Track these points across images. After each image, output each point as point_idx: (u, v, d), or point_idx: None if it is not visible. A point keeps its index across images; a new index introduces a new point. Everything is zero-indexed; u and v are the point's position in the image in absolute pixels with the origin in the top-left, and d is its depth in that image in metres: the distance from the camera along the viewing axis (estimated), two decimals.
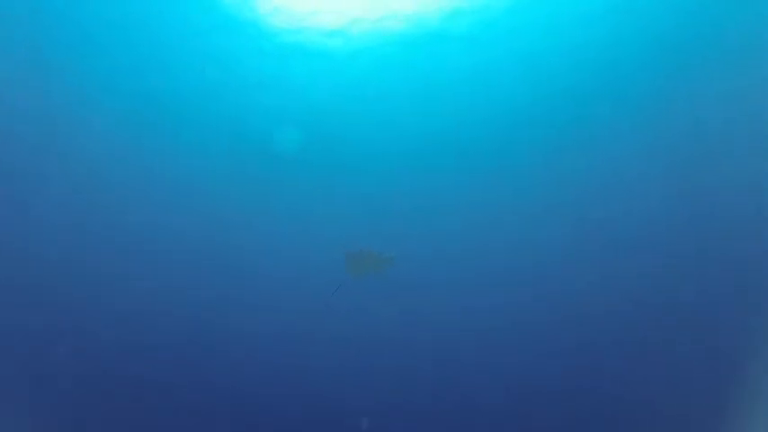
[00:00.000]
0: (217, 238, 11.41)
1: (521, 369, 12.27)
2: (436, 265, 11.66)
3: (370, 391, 12.36)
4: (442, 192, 11.38)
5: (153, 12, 9.33)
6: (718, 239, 11.41)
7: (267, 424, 12.52)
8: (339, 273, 11.68)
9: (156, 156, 10.73)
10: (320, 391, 12.41)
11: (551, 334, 12.22)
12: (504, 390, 12.30)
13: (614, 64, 10.14)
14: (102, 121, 10.32)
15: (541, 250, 11.67)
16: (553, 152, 10.94)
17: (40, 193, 10.77)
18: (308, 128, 10.76)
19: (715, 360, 11.99)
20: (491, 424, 12.47)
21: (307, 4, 9.35)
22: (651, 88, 10.28)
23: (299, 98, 10.41)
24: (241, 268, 11.69)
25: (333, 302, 11.74)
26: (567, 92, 10.43)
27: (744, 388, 11.90)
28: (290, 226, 11.50)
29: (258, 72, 10.07)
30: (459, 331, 12.18)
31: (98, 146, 10.47)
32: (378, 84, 10.35)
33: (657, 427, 12.44)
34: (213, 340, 12.14)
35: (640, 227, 11.56)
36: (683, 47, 9.88)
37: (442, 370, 12.25)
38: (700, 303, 11.88)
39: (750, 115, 10.22)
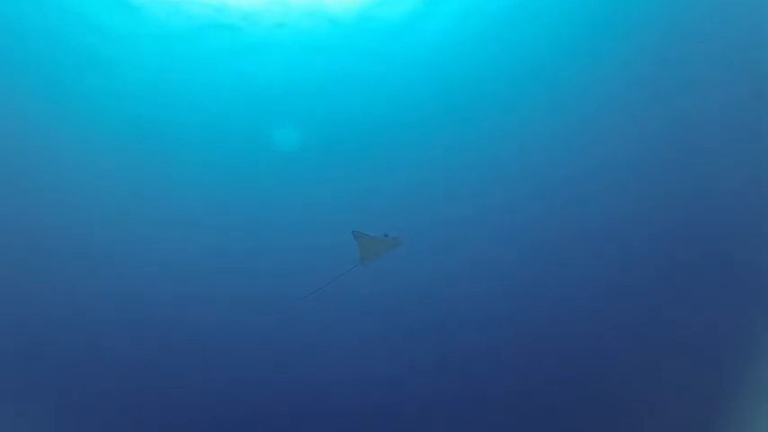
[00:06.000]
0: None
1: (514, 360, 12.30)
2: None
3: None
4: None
5: None
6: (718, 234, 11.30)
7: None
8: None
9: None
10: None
11: (548, 334, 12.22)
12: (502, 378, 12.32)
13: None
14: None
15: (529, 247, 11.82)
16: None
17: None
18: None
19: (714, 359, 11.77)
20: (488, 419, 12.48)
21: None
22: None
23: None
24: None
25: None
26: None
27: (744, 388, 11.61)
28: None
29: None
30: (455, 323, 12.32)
31: None
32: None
33: (657, 426, 12.22)
34: (210, 343, 12.38)
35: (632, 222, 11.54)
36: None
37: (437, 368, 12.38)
38: (698, 298, 11.73)
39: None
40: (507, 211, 11.90)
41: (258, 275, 12.19)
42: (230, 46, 10.56)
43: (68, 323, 12.03)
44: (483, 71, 11.05)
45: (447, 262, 12.09)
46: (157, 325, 12.28)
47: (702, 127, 10.93)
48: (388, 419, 12.34)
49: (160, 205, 12.00)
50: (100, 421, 12.23)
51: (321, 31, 10.47)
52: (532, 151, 11.49)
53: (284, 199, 12.03)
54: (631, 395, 11.92)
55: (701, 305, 11.63)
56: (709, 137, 11.00)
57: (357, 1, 10.07)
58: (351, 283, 11.05)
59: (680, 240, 11.50)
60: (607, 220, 11.60)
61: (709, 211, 11.32)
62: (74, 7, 9.78)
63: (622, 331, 11.79)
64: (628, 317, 11.76)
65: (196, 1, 9.85)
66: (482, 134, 11.54)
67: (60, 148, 11.18)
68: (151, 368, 12.34)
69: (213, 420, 12.56)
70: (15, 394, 12.00)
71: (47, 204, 11.53)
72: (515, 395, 11.97)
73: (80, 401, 12.13)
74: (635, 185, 11.38)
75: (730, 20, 10.05)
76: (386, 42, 10.69)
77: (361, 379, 12.21)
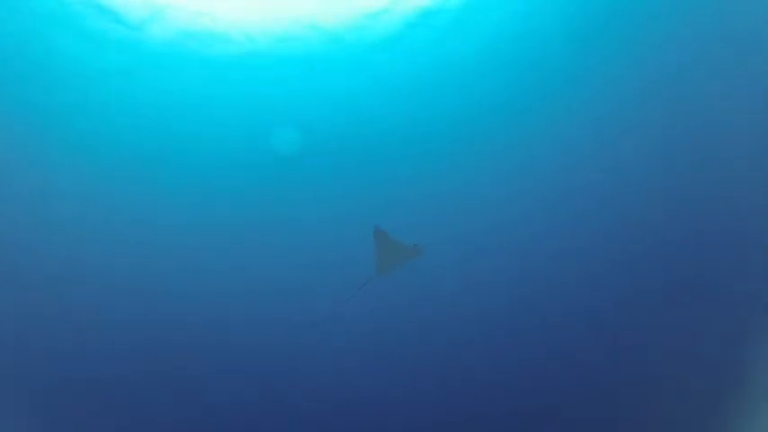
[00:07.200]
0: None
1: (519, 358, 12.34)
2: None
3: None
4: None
5: None
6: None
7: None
8: None
9: None
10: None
11: (550, 335, 12.28)
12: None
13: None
14: None
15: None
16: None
17: None
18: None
19: (714, 358, 12.06)
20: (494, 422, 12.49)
21: None
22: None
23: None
24: None
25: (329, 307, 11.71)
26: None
27: (744, 388, 11.95)
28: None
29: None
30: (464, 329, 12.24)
31: None
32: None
33: (656, 427, 12.48)
34: (212, 346, 12.12)
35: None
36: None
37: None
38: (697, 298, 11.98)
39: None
40: (519, 222, 11.85)
41: (264, 295, 11.86)
42: (226, 57, 10.14)
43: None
44: (495, 78, 10.90)
45: (457, 274, 12.00)
46: (149, 348, 11.88)
47: (719, 131, 11.09)
48: None
49: (152, 226, 11.53)
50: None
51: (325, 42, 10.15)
52: (546, 158, 11.44)
53: (291, 214, 11.68)
54: (650, 409, 12.13)
55: (714, 311, 11.88)
56: (726, 141, 11.15)
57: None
58: (363, 296, 10.92)
59: (695, 246, 11.69)
60: (620, 226, 11.69)
61: (724, 216, 11.53)
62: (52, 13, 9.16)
63: (640, 342, 11.95)
64: (646, 326, 11.92)
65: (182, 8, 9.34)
66: (495, 143, 11.43)
67: (45, 167, 10.56)
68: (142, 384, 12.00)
69: None
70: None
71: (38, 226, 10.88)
72: (531, 409, 12.02)
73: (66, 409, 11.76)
74: (654, 192, 11.47)
75: (743, 21, 10.18)
76: (394, 53, 10.47)
77: (372, 396, 12.06)
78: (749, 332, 11.86)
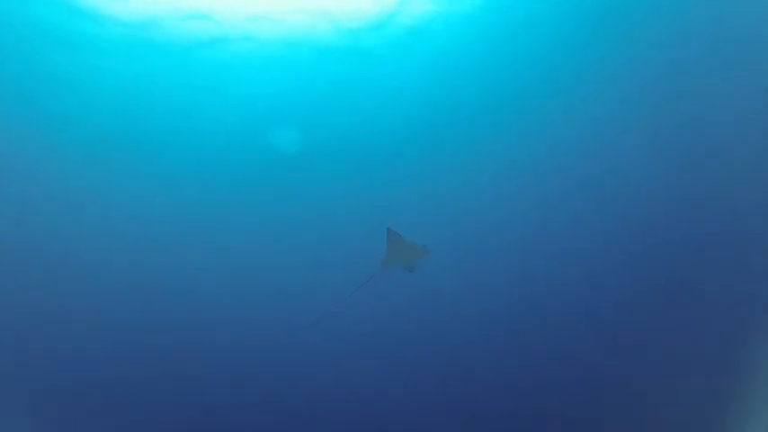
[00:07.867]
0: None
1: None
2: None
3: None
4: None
5: None
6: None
7: None
8: None
9: None
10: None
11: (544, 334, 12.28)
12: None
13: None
14: None
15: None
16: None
17: None
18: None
19: (713, 357, 12.03)
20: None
21: None
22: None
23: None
24: None
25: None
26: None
27: (744, 388, 11.92)
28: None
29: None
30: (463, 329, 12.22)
31: None
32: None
33: (656, 427, 12.44)
34: (212, 346, 12.09)
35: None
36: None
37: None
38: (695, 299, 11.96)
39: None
40: (519, 222, 11.85)
41: (264, 295, 11.82)
42: (225, 46, 10.09)
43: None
44: (494, 77, 10.89)
45: (457, 274, 11.97)
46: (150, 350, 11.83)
47: (719, 129, 11.07)
48: None
49: (152, 225, 11.51)
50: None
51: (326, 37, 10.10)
52: (546, 158, 11.45)
53: (290, 212, 11.65)
54: (650, 409, 12.10)
55: (714, 311, 11.86)
56: (726, 140, 11.13)
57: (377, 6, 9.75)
58: (363, 296, 10.87)
59: (695, 246, 11.69)
60: (620, 226, 11.68)
61: (724, 216, 11.52)
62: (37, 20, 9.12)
63: (640, 342, 11.92)
64: (646, 326, 11.89)
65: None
66: (494, 141, 11.42)
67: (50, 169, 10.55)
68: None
69: None
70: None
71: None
72: (531, 409, 11.98)
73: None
74: (654, 192, 11.46)
75: (744, 20, 10.15)
76: (393, 47, 10.45)
77: (372, 396, 12.02)
78: (749, 332, 11.83)
